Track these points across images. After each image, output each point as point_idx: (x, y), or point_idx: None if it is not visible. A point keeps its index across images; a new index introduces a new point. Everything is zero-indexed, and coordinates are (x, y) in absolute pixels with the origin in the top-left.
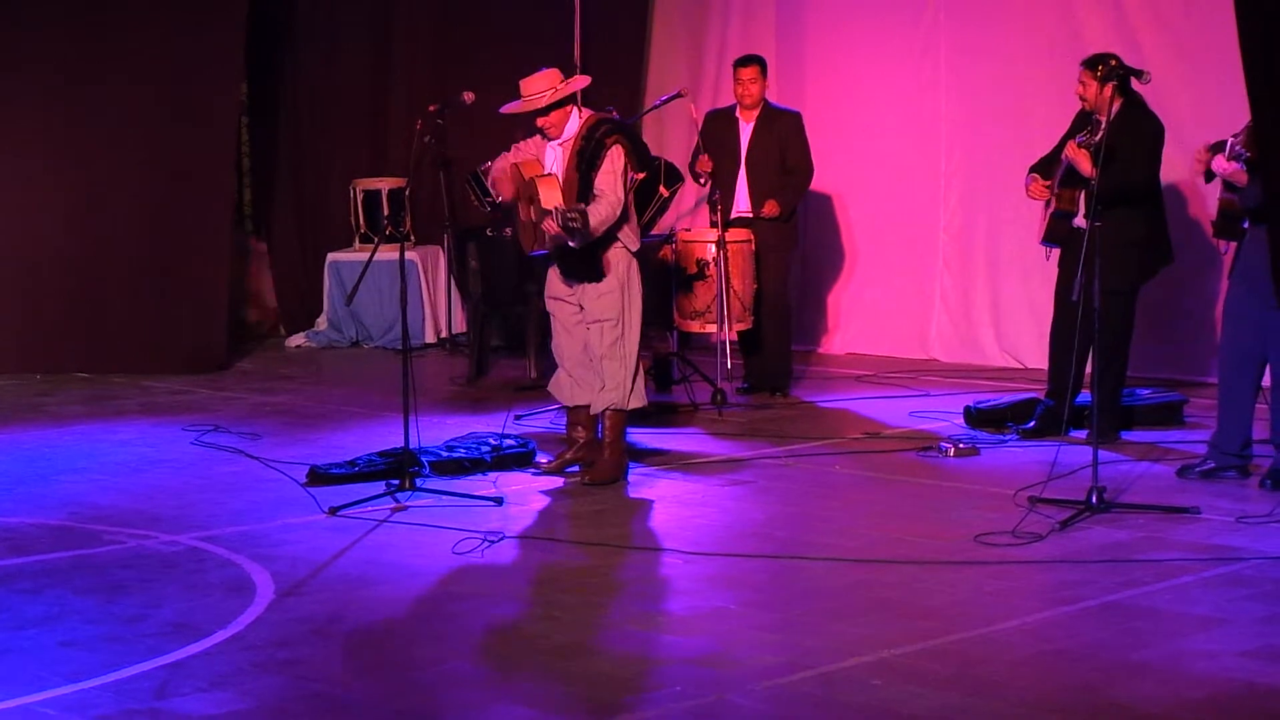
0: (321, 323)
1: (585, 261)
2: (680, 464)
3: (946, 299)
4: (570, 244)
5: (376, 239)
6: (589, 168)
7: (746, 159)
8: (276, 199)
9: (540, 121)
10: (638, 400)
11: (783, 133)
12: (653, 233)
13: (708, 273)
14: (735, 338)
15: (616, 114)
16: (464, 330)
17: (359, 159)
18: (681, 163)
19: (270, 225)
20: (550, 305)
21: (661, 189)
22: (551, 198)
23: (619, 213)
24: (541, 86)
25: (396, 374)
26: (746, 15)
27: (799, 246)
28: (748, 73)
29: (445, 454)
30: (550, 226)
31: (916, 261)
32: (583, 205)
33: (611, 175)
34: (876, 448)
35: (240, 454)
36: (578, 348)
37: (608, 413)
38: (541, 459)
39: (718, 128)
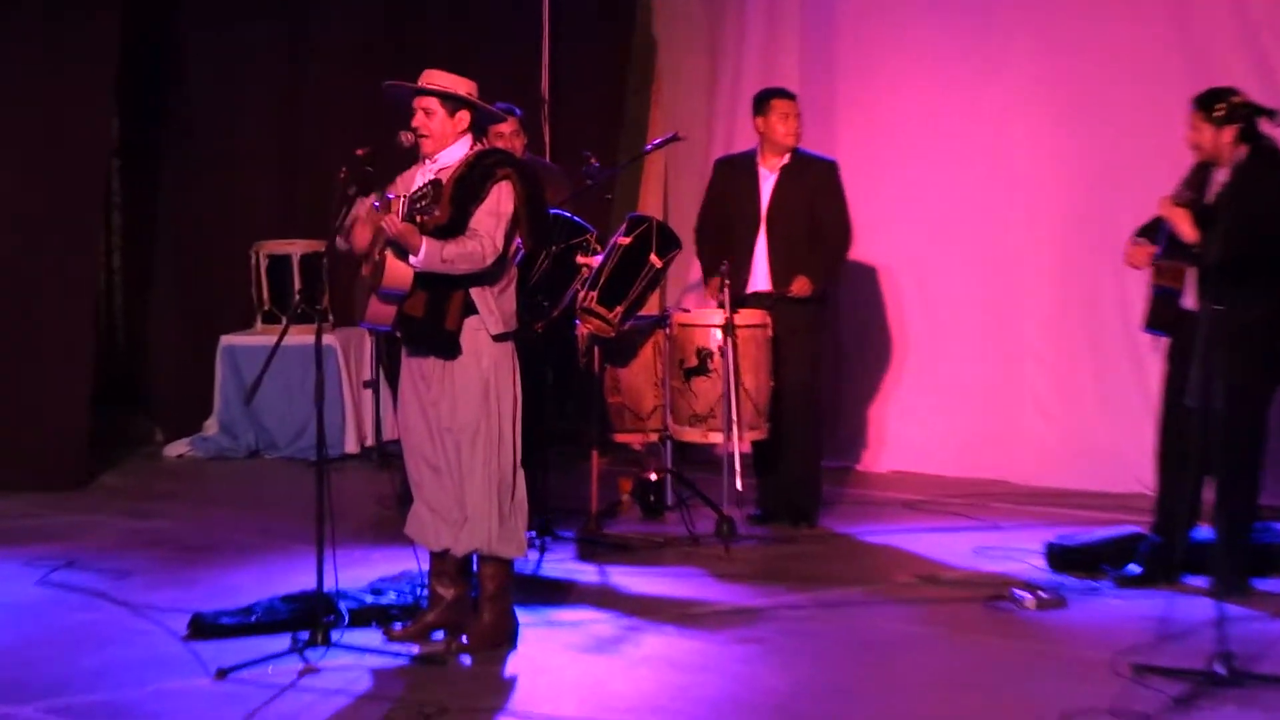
0: (211, 426)
1: (434, 328)
2: (675, 615)
3: (1039, 401)
4: (411, 259)
5: (285, 318)
6: (469, 199)
7: (767, 219)
8: (156, 265)
9: (420, 105)
10: (509, 544)
11: (813, 186)
12: (641, 313)
13: (711, 366)
14: (747, 450)
15: (596, 162)
16: (396, 438)
17: (263, 215)
18: (683, 225)
19: (147, 298)
20: (401, 416)
21: (653, 258)
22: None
23: (490, 264)
24: (444, 80)
25: (307, 493)
26: (766, 42)
27: (831, 332)
28: (795, 106)
29: (370, 599)
30: (389, 224)
31: (990, 352)
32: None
33: (493, 217)
34: (932, 595)
35: (102, 597)
36: (437, 473)
37: (484, 562)
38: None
39: (732, 180)
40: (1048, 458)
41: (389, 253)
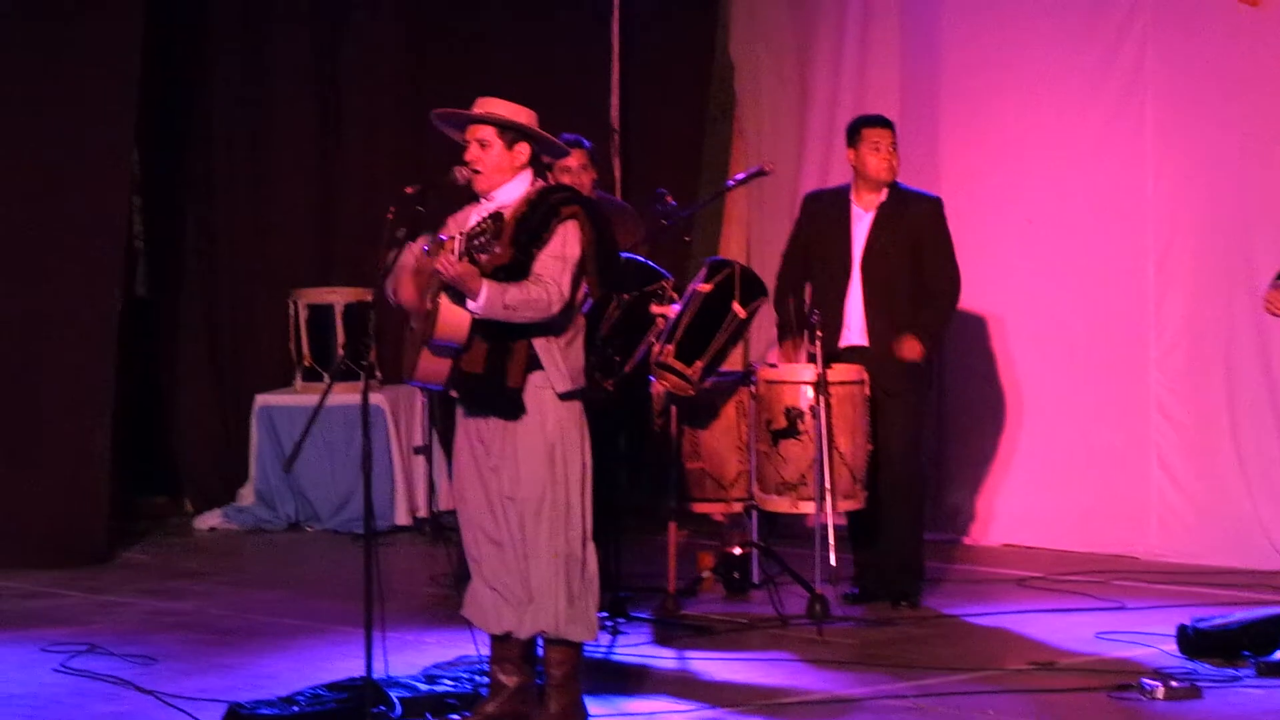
0: (246, 495)
1: (495, 386)
2: (763, 705)
3: (1169, 466)
4: (470, 304)
5: (328, 375)
6: (532, 241)
7: (863, 265)
8: (182, 315)
9: (475, 136)
10: (579, 626)
11: (914, 227)
12: (723, 369)
13: (801, 428)
14: (842, 521)
15: (672, 200)
16: (450, 508)
17: (301, 261)
18: (768, 271)
19: (174, 353)
20: (457, 484)
21: (736, 307)
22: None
23: (556, 313)
24: (502, 108)
25: (353, 569)
26: (862, 64)
27: (935, 390)
28: (888, 136)
29: (424, 687)
30: (446, 265)
31: (1113, 411)
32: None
33: (558, 261)
34: (1049, 684)
35: (127, 686)
36: (498, 548)
37: (551, 646)
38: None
39: (821, 219)
40: (1179, 529)
41: (443, 299)
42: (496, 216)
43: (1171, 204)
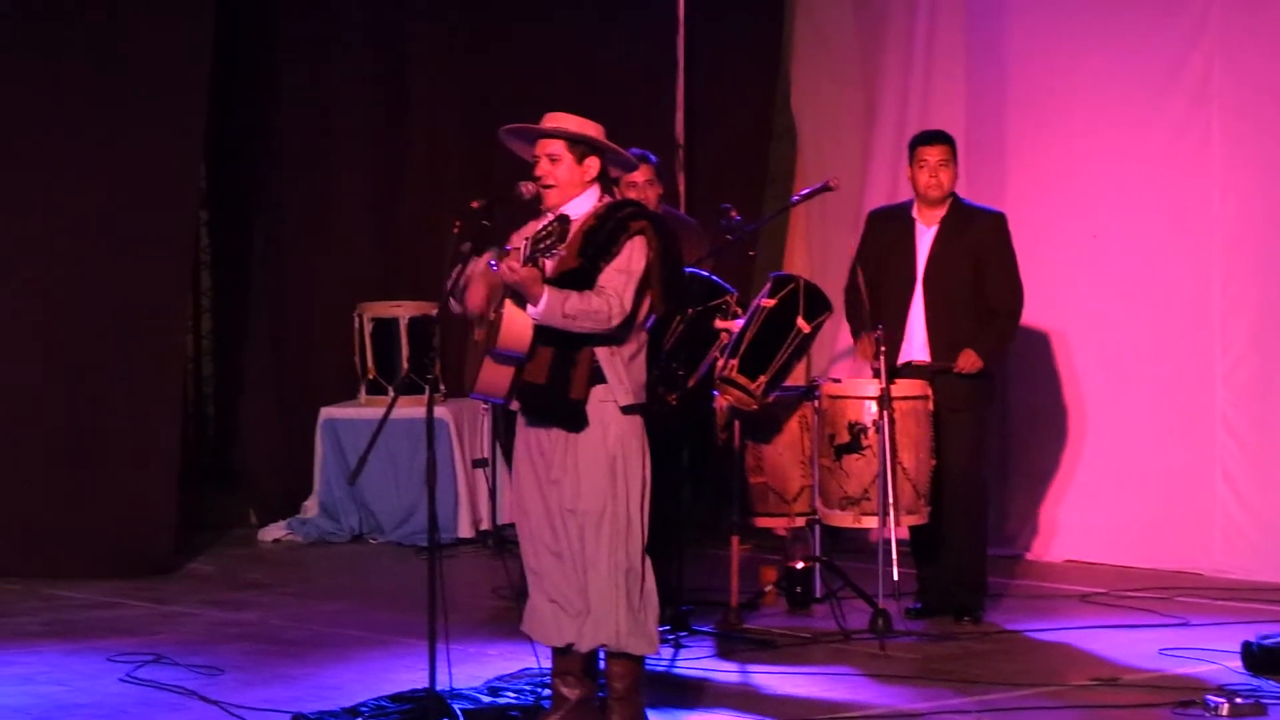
0: (310, 507)
1: (558, 397)
2: (827, 719)
3: (1234, 483)
4: (530, 309)
5: (392, 389)
6: (599, 255)
7: (925, 279)
8: (249, 328)
9: (544, 150)
10: (640, 639)
11: (978, 242)
12: (786, 384)
13: (865, 442)
14: (905, 536)
15: (736, 215)
16: (513, 521)
17: (367, 274)
18: (833, 286)
19: (240, 366)
20: (517, 497)
21: (800, 322)
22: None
23: (615, 326)
24: (571, 122)
25: (416, 581)
26: (927, 77)
27: (998, 405)
28: (936, 153)
29: (487, 699)
30: (510, 269)
31: (1179, 427)
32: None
33: (623, 275)
34: (1112, 700)
35: (192, 696)
36: (559, 560)
37: (613, 659)
38: None
39: (885, 235)
40: (1243, 545)
41: (507, 307)
42: (563, 219)
43: (1238, 218)
